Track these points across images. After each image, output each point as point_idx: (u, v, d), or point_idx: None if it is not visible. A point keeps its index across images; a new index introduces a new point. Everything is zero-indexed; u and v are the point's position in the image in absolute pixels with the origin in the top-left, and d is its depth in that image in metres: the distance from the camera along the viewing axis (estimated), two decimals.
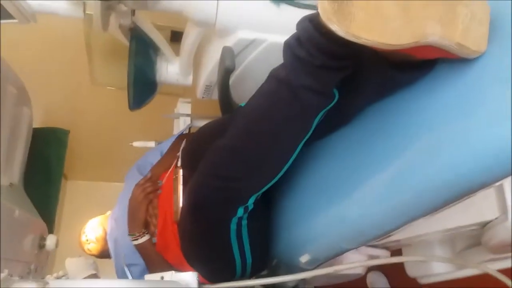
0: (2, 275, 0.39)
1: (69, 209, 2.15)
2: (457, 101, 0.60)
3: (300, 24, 0.60)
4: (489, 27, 0.56)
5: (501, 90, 0.54)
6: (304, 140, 0.72)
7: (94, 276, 1.19)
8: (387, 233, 0.75)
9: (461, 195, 0.64)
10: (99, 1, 0.89)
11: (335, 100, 0.67)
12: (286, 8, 1.09)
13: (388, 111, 0.72)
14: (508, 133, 0.51)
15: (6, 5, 0.79)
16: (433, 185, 0.62)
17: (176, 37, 1.42)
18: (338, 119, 0.76)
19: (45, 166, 0.92)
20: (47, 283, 0.41)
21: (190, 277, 0.66)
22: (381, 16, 0.47)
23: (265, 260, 0.93)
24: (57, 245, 0.54)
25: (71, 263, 1.01)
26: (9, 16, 0.84)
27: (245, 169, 0.74)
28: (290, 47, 0.62)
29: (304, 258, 0.86)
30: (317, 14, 0.57)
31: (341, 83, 0.65)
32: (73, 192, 2.33)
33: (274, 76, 0.68)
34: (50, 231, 0.55)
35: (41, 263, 0.54)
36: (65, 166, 2.11)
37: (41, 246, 0.54)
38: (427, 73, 0.65)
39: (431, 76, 0.67)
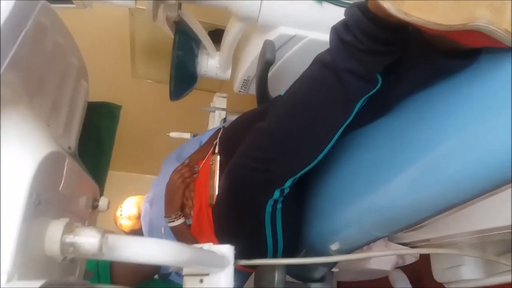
0: (65, 220, 0.43)
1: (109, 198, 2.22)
2: (503, 91, 0.61)
3: (348, 10, 0.63)
4: None
5: None
6: (344, 125, 0.73)
7: None
8: (420, 222, 0.75)
9: (498, 186, 0.64)
10: None
11: (378, 86, 0.68)
12: (328, 7, 1.12)
13: (429, 101, 0.73)
14: None
15: None
16: (471, 176, 0.63)
17: (213, 35, 1.47)
18: (380, 106, 0.77)
19: (97, 137, 0.98)
20: (107, 234, 0.44)
21: (227, 249, 0.69)
22: None
23: (295, 246, 0.95)
24: (108, 207, 0.59)
25: None
26: (67, 1, 0.90)
27: (284, 152, 0.76)
28: (337, 31, 0.65)
29: (334, 246, 0.88)
30: (365, 1, 0.59)
31: (385, 69, 0.66)
32: (111, 182, 2.41)
33: (319, 60, 0.71)
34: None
35: (92, 222, 0.59)
36: None
37: (94, 206, 0.59)
38: (472, 63, 0.65)
39: (475, 66, 0.67)
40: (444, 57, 0.62)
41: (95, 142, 0.93)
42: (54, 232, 0.41)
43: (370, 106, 0.73)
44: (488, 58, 0.64)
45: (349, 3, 1.09)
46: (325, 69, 0.68)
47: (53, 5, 0.66)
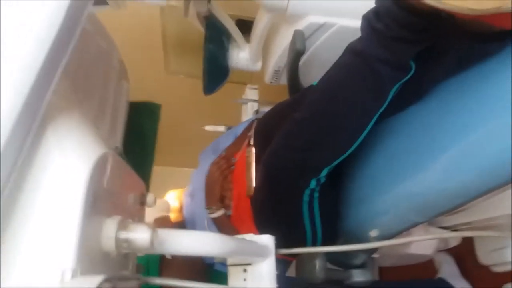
0: (118, 217, 0.46)
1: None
2: None
3: None
4: None
5: None
6: (378, 113, 0.73)
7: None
8: (458, 207, 0.75)
9: None
10: None
11: (411, 73, 0.68)
12: None
13: (465, 85, 0.72)
14: None
15: None
16: (498, 164, 0.63)
17: (241, 27, 1.48)
18: (414, 92, 0.76)
19: (140, 135, 1.02)
20: (157, 229, 0.47)
21: (267, 239, 0.71)
22: None
23: (335, 234, 0.96)
24: (155, 202, 0.62)
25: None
26: (103, 2, 0.94)
27: (319, 140, 0.77)
28: (368, 20, 0.65)
29: (373, 233, 0.88)
30: None
31: (419, 55, 0.66)
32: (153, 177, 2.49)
33: (351, 49, 0.71)
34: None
35: (141, 218, 0.62)
36: None
37: (142, 202, 0.62)
38: (506, 45, 0.64)
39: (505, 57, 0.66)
40: (476, 41, 0.62)
41: (138, 140, 0.97)
42: (109, 229, 0.44)
43: (404, 93, 0.72)
44: None
45: None
46: (356, 58, 0.69)
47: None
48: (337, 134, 0.76)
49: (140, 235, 0.44)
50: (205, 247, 0.54)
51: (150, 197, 0.63)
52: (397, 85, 0.69)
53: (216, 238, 0.55)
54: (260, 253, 0.68)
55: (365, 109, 0.72)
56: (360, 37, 0.68)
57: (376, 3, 0.64)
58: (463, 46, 0.66)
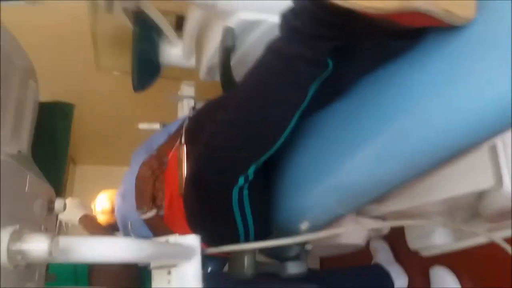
0: (12, 228, 0.43)
1: (78, 193, 2.21)
2: (447, 68, 0.63)
3: None
4: None
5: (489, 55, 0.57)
6: (300, 110, 0.74)
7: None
8: (383, 194, 0.78)
9: (454, 154, 0.67)
10: None
11: (329, 69, 0.70)
12: None
13: (380, 81, 0.75)
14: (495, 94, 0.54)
15: None
16: (426, 148, 0.66)
17: (181, 24, 1.45)
18: (335, 89, 0.79)
19: (51, 137, 0.97)
20: (57, 238, 0.44)
21: (192, 239, 0.70)
22: None
23: (267, 229, 0.97)
24: (64, 208, 0.59)
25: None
26: None
27: (242, 139, 0.78)
28: (286, 18, 0.67)
29: (304, 225, 0.90)
30: None
31: (335, 52, 0.68)
32: (82, 176, 2.39)
33: (270, 47, 0.72)
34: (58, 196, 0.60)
35: (50, 226, 0.59)
36: (73, 151, 2.15)
37: (50, 209, 0.59)
38: (418, 41, 0.67)
39: (421, 46, 0.69)
40: (389, 38, 0.65)
41: (49, 143, 0.92)
42: (1, 241, 0.41)
43: (325, 90, 0.74)
44: (432, 36, 0.66)
45: None
46: (273, 55, 0.70)
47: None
48: (260, 132, 0.77)
49: (35, 246, 0.41)
50: (117, 254, 0.51)
51: (58, 203, 0.59)
52: (316, 81, 0.71)
53: (130, 243, 0.53)
54: (184, 254, 0.66)
55: (286, 106, 0.73)
56: (279, 35, 0.70)
57: (293, 2, 0.65)
58: (378, 43, 0.68)
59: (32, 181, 0.51)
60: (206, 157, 0.84)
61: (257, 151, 0.80)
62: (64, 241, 0.45)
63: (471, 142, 0.65)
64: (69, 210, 1.21)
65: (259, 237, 0.96)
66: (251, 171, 0.83)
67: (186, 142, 1.08)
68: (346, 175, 0.79)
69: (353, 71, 0.75)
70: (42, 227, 0.55)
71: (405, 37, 0.67)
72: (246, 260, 0.80)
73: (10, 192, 0.46)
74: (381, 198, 0.86)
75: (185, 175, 1.03)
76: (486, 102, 0.58)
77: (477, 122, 0.60)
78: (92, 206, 1.39)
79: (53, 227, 0.60)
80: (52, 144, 0.96)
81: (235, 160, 0.80)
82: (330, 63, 0.70)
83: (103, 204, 1.35)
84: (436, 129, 0.63)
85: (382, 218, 1.25)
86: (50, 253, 0.41)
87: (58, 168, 1.03)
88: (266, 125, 0.76)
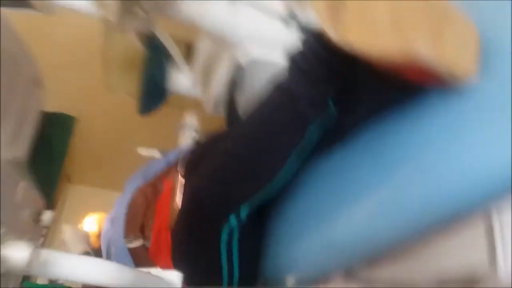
0: (2, 229, 0.41)
1: (69, 212, 2.17)
2: (447, 126, 0.61)
3: (304, 36, 0.69)
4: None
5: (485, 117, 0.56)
6: (297, 151, 0.74)
7: (87, 254, 1.24)
8: (374, 257, 0.76)
9: (452, 218, 0.64)
10: (118, 1, 0.94)
11: (330, 112, 0.71)
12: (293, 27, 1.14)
13: (380, 132, 0.73)
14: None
15: None
16: (424, 206, 0.63)
17: (191, 52, 1.47)
18: (336, 136, 0.78)
19: (49, 147, 0.95)
20: (39, 249, 0.42)
21: (174, 276, 0.68)
22: (372, 22, 0.51)
23: (253, 278, 0.93)
24: (52, 221, 0.56)
25: (69, 231, 1.05)
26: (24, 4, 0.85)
27: (239, 172, 0.78)
28: (293, 57, 0.69)
29: (290, 279, 0.86)
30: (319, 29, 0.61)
31: (339, 97, 0.69)
32: (75, 196, 2.35)
33: (275, 84, 0.74)
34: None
35: (35, 236, 0.57)
36: (70, 170, 2.12)
37: (37, 220, 0.56)
38: (420, 96, 0.66)
39: (423, 100, 0.68)
40: (393, 90, 0.65)
41: (46, 153, 0.91)
42: None
43: (326, 136, 0.75)
44: (435, 93, 0.65)
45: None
46: (276, 92, 0.72)
47: (15, 10, 0.65)
48: (257, 168, 0.77)
49: (16, 253, 0.39)
50: (97, 276, 0.48)
51: (47, 215, 0.57)
52: (316, 124, 0.71)
53: (112, 267, 0.51)
54: None
55: (283, 142, 0.74)
56: (285, 74, 0.72)
57: (302, 41, 0.68)
58: (381, 93, 0.69)
59: (24, 189, 0.49)
60: (200, 190, 0.82)
61: (251, 187, 0.79)
62: (45, 253, 0.43)
63: (470, 205, 0.62)
64: (74, 238, 1.19)
65: (243, 284, 0.92)
66: (244, 211, 0.80)
67: (183, 174, 1.06)
68: (336, 230, 0.75)
69: (354, 118, 0.75)
70: (27, 237, 0.53)
71: (409, 90, 0.66)
72: None
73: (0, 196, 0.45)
74: (372, 260, 0.83)
75: (178, 207, 1.01)
76: (484, 166, 0.56)
77: (474, 185, 0.58)
78: (79, 227, 1.35)
79: (38, 238, 0.58)
80: (49, 154, 0.95)
81: (227, 194, 0.79)
82: (331, 106, 0.70)
83: (90, 226, 1.32)
84: (430, 190, 0.61)
85: (372, 281, 1.21)
86: (29, 263, 0.40)
87: (51, 179, 1.01)
88: (263, 162, 0.76)
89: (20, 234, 0.48)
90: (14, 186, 0.51)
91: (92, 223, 1.34)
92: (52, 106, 1.27)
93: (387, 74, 0.60)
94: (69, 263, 0.46)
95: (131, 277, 0.53)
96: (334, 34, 0.51)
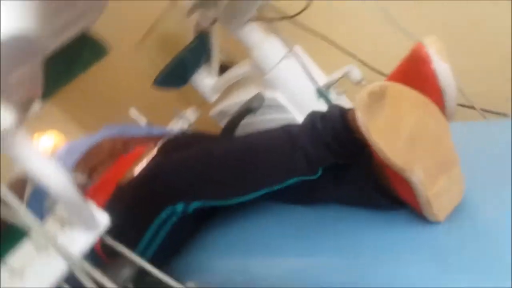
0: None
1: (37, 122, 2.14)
2: (391, 247, 0.64)
3: (332, 106, 0.74)
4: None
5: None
6: (268, 188, 0.78)
7: None
8: None
9: None
10: None
11: (315, 176, 0.74)
12: (322, 102, 1.23)
13: (345, 220, 0.76)
14: None
15: None
16: None
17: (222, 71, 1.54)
18: (311, 196, 0.82)
19: (71, 60, 0.96)
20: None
21: (103, 216, 0.69)
22: (396, 130, 0.56)
23: (164, 261, 0.95)
24: (38, 114, 0.59)
25: None
26: None
27: (209, 174, 0.81)
28: (313, 115, 0.74)
29: (190, 284, 0.89)
30: (349, 109, 0.68)
31: (334, 169, 0.73)
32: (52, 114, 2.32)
33: (285, 126, 0.79)
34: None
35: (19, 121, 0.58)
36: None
37: (26, 107, 0.59)
38: (394, 210, 0.69)
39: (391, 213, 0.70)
40: (379, 192, 0.67)
41: (66, 60, 0.92)
42: None
43: (302, 191, 0.79)
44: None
45: None
46: (283, 134, 0.76)
47: None
48: (229, 181, 0.81)
49: (3, 112, 0.43)
50: (48, 170, 0.53)
51: (35, 107, 0.61)
52: (297, 178, 0.75)
53: (66, 177, 0.55)
54: (87, 222, 0.66)
55: (261, 176, 0.78)
56: (300, 124, 0.76)
57: (328, 107, 0.74)
58: (365, 186, 0.71)
59: (33, 67, 0.52)
60: (168, 169, 0.87)
61: (213, 192, 0.83)
62: (23, 133, 0.46)
63: None
64: None
65: (153, 261, 0.94)
66: (194, 205, 0.85)
67: (159, 149, 1.11)
68: (255, 265, 0.80)
69: (333, 192, 0.78)
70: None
71: (391, 199, 0.68)
72: (123, 272, 0.78)
73: (12, 60, 0.47)
74: None
75: (136, 172, 1.04)
76: None
77: None
78: (35, 135, 1.35)
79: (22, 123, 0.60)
80: (68, 63, 0.95)
81: (191, 186, 0.83)
82: (320, 172, 0.74)
83: (47, 141, 1.32)
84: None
85: None
86: (11, 127, 0.43)
87: (57, 84, 1.01)
88: (237, 177, 0.80)
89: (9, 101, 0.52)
90: (28, 58, 0.53)
91: (50, 140, 1.34)
92: None
93: (383, 175, 0.64)
94: (34, 152, 0.50)
95: (71, 189, 0.57)
96: (363, 121, 0.55)
